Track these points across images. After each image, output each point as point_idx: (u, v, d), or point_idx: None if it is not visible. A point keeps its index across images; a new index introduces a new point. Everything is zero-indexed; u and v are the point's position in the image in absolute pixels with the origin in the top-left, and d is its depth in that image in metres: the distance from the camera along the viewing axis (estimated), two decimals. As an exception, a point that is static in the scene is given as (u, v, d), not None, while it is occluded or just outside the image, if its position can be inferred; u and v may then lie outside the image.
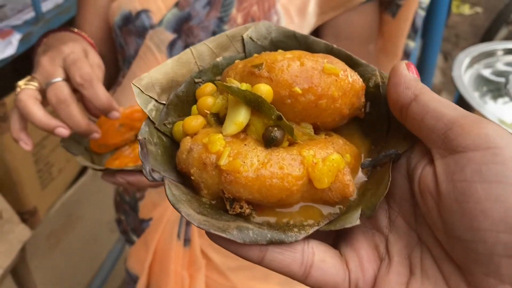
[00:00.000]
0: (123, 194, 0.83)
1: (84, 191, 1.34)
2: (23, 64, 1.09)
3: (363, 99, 0.30)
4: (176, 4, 0.65)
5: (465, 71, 1.00)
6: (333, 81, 0.28)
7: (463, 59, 1.02)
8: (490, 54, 1.07)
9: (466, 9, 3.38)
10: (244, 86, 0.28)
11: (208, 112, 0.29)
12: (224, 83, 0.28)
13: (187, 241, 0.75)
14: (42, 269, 1.19)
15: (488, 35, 1.95)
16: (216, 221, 0.25)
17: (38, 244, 1.17)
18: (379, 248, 0.26)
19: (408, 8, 0.69)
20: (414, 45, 0.74)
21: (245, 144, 0.27)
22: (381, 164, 0.28)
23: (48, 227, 1.20)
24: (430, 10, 1.11)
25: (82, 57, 0.54)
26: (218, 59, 0.33)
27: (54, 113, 0.52)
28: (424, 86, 0.25)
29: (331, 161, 0.26)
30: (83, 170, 1.37)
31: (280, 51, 0.31)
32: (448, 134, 0.23)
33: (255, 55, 0.31)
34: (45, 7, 1.04)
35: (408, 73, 0.26)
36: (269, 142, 0.27)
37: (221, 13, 0.65)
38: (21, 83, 0.54)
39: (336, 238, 0.28)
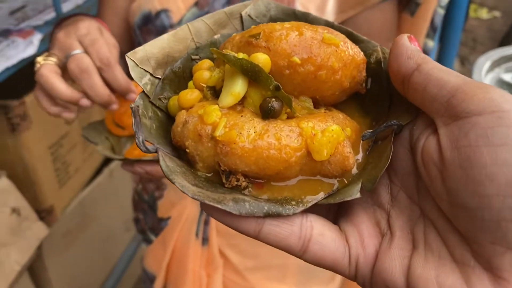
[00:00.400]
0: (142, 193, 0.84)
1: (100, 191, 1.35)
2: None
3: (364, 73, 0.29)
4: (196, 4, 0.65)
5: (485, 75, 0.99)
6: (333, 51, 0.27)
7: (483, 63, 1.00)
8: (511, 58, 1.05)
9: (484, 13, 3.34)
10: (241, 56, 0.27)
11: (204, 85, 0.29)
12: (220, 51, 0.28)
13: (205, 240, 0.76)
14: (57, 266, 1.21)
15: (506, 40, 1.93)
16: (212, 193, 0.25)
17: (54, 242, 1.18)
18: (380, 224, 0.26)
19: (427, 6, 0.69)
20: (433, 45, 0.73)
21: (241, 116, 0.26)
22: (382, 137, 0.27)
23: (64, 226, 1.21)
24: (448, 14, 1.10)
25: (99, 36, 0.56)
26: (215, 36, 0.32)
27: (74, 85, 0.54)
28: (426, 56, 0.25)
29: (330, 132, 0.25)
30: (99, 170, 1.38)
31: (279, 22, 0.30)
32: (451, 100, 0.22)
33: (253, 26, 0.30)
34: (66, 7, 1.06)
35: (410, 45, 0.25)
36: (266, 113, 0.26)
37: None
38: (39, 59, 0.56)
39: (336, 215, 0.28)
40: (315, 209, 0.26)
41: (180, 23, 0.66)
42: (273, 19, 0.33)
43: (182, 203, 0.77)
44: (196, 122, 0.26)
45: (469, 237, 0.21)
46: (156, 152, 0.26)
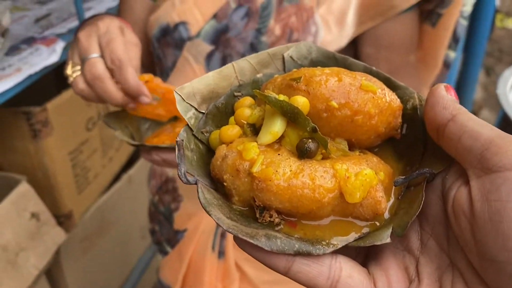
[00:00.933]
0: (158, 205, 0.84)
1: (118, 197, 1.37)
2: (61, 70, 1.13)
3: (400, 119, 0.30)
4: (214, 16, 0.65)
5: (510, 89, 0.96)
6: (370, 98, 0.28)
7: (509, 76, 0.98)
8: (537, 70, 1.02)
9: (511, 23, 3.27)
10: (282, 97, 0.28)
11: (245, 122, 0.30)
12: (263, 93, 0.29)
13: (221, 254, 0.75)
14: (75, 271, 1.22)
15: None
16: (245, 227, 0.26)
17: (72, 247, 1.19)
18: (409, 270, 0.26)
19: (449, 17, 0.67)
20: (454, 55, 0.72)
21: (278, 154, 0.27)
22: (415, 183, 0.28)
23: (82, 231, 1.23)
24: (473, 23, 1.08)
25: (117, 35, 0.56)
26: (258, 75, 0.34)
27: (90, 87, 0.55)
28: (461, 107, 0.25)
29: (364, 175, 0.26)
30: (118, 176, 1.39)
31: (319, 67, 0.31)
32: (485, 153, 0.23)
33: (294, 70, 0.32)
34: (88, 15, 1.08)
35: (446, 94, 0.26)
36: (302, 153, 0.27)
37: (259, 25, 0.65)
38: (69, 72, 0.57)
39: (365, 258, 0.28)
40: (345, 251, 0.26)
41: (198, 35, 0.66)
42: (314, 62, 0.35)
43: (198, 215, 0.77)
44: (235, 157, 0.28)
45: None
46: (196, 183, 0.27)
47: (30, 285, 0.97)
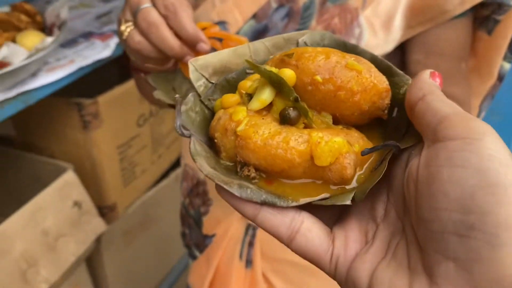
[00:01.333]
0: (188, 208, 0.83)
1: (164, 194, 1.38)
2: (116, 66, 1.16)
3: (386, 101, 0.31)
4: (254, 16, 0.63)
5: None
6: (354, 76, 0.30)
7: None
8: None
9: None
10: (272, 69, 0.32)
11: (244, 92, 0.33)
12: (254, 63, 0.32)
13: (249, 263, 0.73)
14: (115, 262, 1.24)
15: None
16: (224, 176, 0.29)
17: (114, 239, 1.22)
18: (368, 234, 0.28)
19: (506, 24, 0.60)
20: (509, 67, 0.65)
21: (263, 118, 0.31)
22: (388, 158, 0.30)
23: (125, 224, 1.25)
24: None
25: None
26: (271, 56, 0.36)
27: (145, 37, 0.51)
28: (435, 89, 0.27)
29: (333, 142, 0.28)
30: (166, 173, 1.41)
31: (314, 47, 0.34)
32: (437, 127, 0.25)
33: (292, 48, 0.35)
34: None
35: (427, 78, 0.28)
36: (283, 119, 0.31)
37: (299, 25, 0.62)
38: (122, 28, 0.54)
39: (335, 222, 0.30)
40: (318, 214, 0.29)
41: (237, 35, 0.64)
42: (325, 47, 0.35)
43: (227, 220, 0.75)
44: (226, 118, 0.31)
45: (423, 247, 0.24)
46: (189, 136, 0.31)
47: (66, 270, 1.00)
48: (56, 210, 1.00)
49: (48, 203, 0.98)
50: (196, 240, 0.82)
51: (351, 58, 0.31)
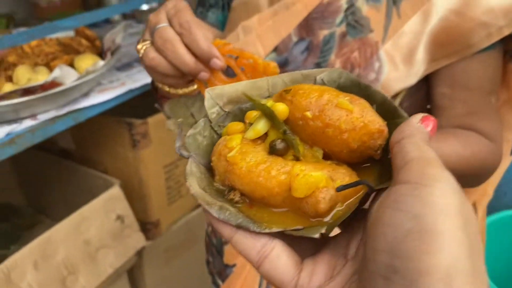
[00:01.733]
0: (211, 236, 0.84)
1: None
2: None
3: (379, 142, 0.32)
4: (275, 49, 0.64)
5: None
6: (344, 115, 0.31)
7: None
8: None
9: None
10: (268, 103, 0.34)
11: (248, 121, 0.35)
12: (252, 97, 0.35)
13: None
14: (155, 278, 1.28)
15: None
16: (209, 198, 0.31)
17: (155, 255, 1.26)
18: (335, 269, 0.29)
19: None
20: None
21: (254, 147, 0.33)
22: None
23: (167, 241, 1.29)
24: None
25: (184, 8, 0.54)
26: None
27: (160, 54, 0.53)
28: (416, 133, 0.27)
29: (310, 176, 0.29)
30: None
31: (311, 84, 0.35)
32: (400, 170, 0.25)
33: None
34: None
35: (414, 122, 0.28)
36: (271, 150, 0.32)
37: (319, 59, 0.62)
38: (139, 46, 0.56)
39: (312, 255, 0.31)
40: (297, 243, 0.30)
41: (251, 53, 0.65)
42: (340, 86, 0.37)
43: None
44: (223, 144, 0.33)
45: (362, 286, 0.25)
46: (188, 158, 0.33)
47: (103, 281, 1.05)
48: (100, 222, 1.06)
49: (93, 214, 1.04)
50: (218, 268, 0.83)
51: (344, 98, 0.32)
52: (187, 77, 0.56)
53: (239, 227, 0.29)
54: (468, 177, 0.59)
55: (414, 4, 0.57)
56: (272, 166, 0.31)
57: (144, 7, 1.45)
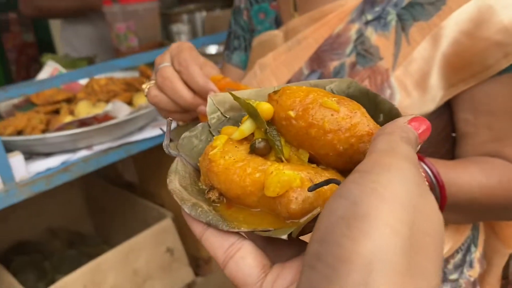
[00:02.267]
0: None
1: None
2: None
3: (369, 145, 0.30)
4: (288, 83, 0.64)
5: None
6: (328, 115, 0.30)
7: None
8: None
9: None
10: (252, 102, 0.33)
11: (241, 124, 0.35)
12: (235, 95, 0.34)
13: None
14: (205, 316, 1.27)
15: None
16: (186, 195, 0.31)
17: (206, 291, 1.26)
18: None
19: None
20: None
21: (236, 147, 0.32)
22: None
23: (218, 279, 1.28)
24: None
25: (186, 48, 0.57)
26: None
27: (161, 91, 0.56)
28: (397, 130, 0.26)
29: (282, 174, 0.28)
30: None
31: (300, 86, 0.33)
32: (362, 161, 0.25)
33: None
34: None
35: (401, 121, 0.27)
36: (251, 149, 0.31)
37: None
38: (144, 86, 0.60)
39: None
40: (277, 247, 0.29)
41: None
42: (350, 96, 0.36)
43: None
44: (210, 144, 0.33)
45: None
46: (175, 156, 0.34)
47: (148, 312, 1.07)
48: (149, 253, 1.09)
49: (143, 245, 1.08)
50: None
51: (332, 98, 0.30)
52: (191, 112, 0.58)
53: (209, 224, 0.29)
54: (497, 208, 0.54)
55: (423, 29, 0.54)
56: (249, 164, 0.30)
57: (212, 50, 1.52)
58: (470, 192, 0.51)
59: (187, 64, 0.55)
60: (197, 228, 0.29)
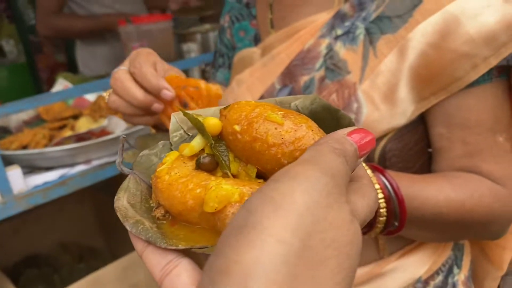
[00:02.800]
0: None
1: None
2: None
3: None
4: (261, 98, 0.65)
5: None
6: (272, 128, 0.29)
7: None
8: None
9: None
10: (199, 118, 0.33)
11: None
12: (185, 111, 0.34)
13: None
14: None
15: None
16: (132, 212, 0.30)
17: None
18: None
19: None
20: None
21: (184, 163, 0.32)
22: None
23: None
24: None
25: (144, 53, 0.57)
26: None
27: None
28: (330, 141, 0.26)
29: (220, 189, 0.27)
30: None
31: (250, 101, 0.33)
32: None
33: None
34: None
35: (339, 133, 0.27)
36: (197, 165, 0.31)
37: None
38: (104, 94, 0.62)
39: None
40: None
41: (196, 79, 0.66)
42: (313, 112, 0.36)
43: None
44: (160, 161, 0.33)
45: None
46: (128, 174, 0.34)
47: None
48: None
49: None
50: None
51: (277, 112, 0.30)
52: (153, 116, 0.59)
53: (148, 241, 0.28)
54: (470, 225, 0.51)
55: (390, 42, 0.53)
56: (192, 180, 0.30)
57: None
58: (436, 207, 0.49)
59: (141, 65, 0.55)
60: (138, 246, 0.29)
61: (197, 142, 0.32)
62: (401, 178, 0.50)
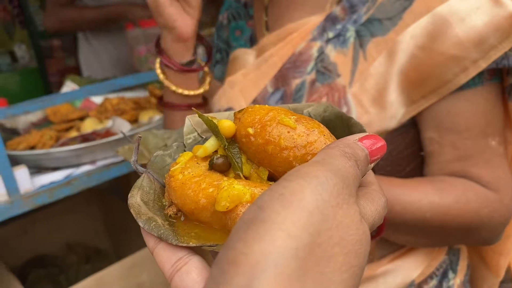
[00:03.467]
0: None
1: None
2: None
3: None
4: (254, 101, 0.66)
5: None
6: (285, 132, 0.30)
7: None
8: None
9: None
10: (215, 120, 0.34)
11: None
12: (199, 112, 0.35)
13: None
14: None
15: None
16: (145, 210, 0.31)
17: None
18: None
19: None
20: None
21: (197, 163, 0.33)
22: None
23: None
24: None
25: None
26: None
27: None
28: (341, 145, 0.26)
29: (232, 189, 0.28)
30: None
31: (266, 106, 0.34)
32: None
33: None
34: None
35: (350, 139, 0.27)
36: (210, 165, 0.32)
37: None
38: None
39: None
40: None
41: None
42: (325, 119, 0.37)
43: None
44: (174, 162, 0.34)
45: None
46: (142, 173, 0.35)
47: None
48: (153, 268, 1.10)
49: (147, 260, 1.09)
50: None
51: (290, 116, 0.31)
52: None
53: (160, 238, 0.29)
54: (456, 230, 0.51)
55: (380, 45, 0.54)
56: (204, 179, 0.30)
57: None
58: (419, 212, 0.49)
59: None
60: (150, 242, 0.30)
61: (211, 144, 0.33)
62: (382, 181, 0.50)
